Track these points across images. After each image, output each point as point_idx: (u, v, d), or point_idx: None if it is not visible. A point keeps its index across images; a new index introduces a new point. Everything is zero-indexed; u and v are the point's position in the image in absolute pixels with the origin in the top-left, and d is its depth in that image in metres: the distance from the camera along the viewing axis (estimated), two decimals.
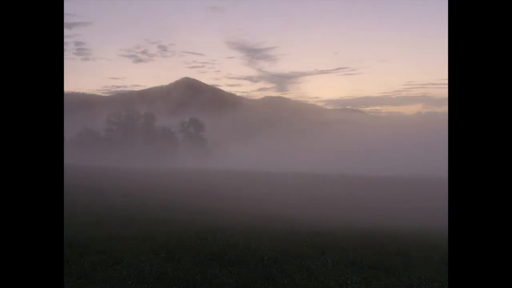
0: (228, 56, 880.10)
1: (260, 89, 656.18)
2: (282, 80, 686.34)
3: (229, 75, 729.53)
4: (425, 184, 47.41)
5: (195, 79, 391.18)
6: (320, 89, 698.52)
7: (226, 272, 6.86)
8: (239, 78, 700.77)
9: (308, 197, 37.38)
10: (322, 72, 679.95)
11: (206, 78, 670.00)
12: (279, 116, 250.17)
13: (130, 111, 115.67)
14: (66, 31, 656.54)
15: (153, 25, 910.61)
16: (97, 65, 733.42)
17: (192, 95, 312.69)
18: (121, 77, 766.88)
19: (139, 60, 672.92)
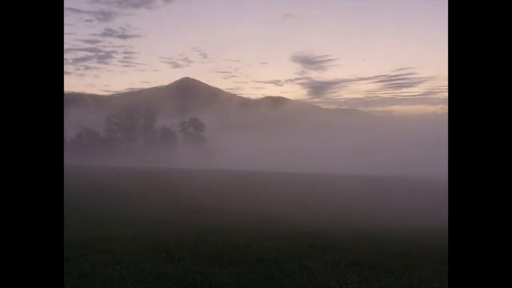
0: (261, 62, 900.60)
1: (283, 92, 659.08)
2: (323, 85, 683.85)
3: (256, 79, 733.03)
4: (427, 184, 47.44)
5: (195, 79, 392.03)
6: (347, 94, 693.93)
7: (226, 272, 6.86)
8: (265, 82, 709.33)
9: (308, 197, 37.37)
10: (362, 79, 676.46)
11: (233, 81, 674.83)
12: (280, 116, 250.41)
13: (131, 111, 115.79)
14: (119, 41, 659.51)
15: (201, 36, 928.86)
16: (133, 70, 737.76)
17: (192, 95, 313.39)
18: (153, 81, 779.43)
19: (176, 66, 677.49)
